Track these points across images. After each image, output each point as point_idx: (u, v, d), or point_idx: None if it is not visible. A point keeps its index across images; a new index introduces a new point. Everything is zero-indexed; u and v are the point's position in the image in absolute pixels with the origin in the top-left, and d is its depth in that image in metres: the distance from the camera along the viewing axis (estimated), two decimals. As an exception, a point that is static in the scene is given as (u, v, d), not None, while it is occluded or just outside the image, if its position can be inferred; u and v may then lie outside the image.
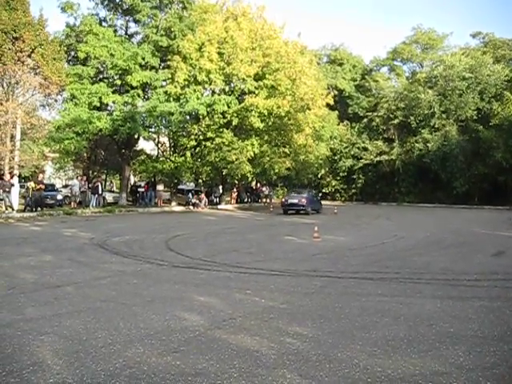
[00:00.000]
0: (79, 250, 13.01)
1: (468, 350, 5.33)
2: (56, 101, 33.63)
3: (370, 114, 53.69)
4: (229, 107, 32.97)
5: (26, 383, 4.25)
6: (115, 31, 34.41)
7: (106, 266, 10.48)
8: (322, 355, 5.08)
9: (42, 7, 53.03)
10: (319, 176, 53.65)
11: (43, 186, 28.58)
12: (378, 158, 51.94)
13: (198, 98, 32.83)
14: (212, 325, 6.11)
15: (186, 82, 33.16)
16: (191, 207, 35.57)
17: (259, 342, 5.49)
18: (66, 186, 42.48)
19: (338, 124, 53.40)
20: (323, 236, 16.52)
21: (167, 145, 40.77)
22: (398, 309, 7.10)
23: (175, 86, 32.82)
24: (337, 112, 50.99)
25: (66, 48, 33.09)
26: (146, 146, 43.25)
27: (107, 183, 46.76)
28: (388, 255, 13.00)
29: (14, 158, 28.19)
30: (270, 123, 35.44)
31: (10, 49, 28.53)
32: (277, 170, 37.64)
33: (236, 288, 8.34)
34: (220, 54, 33.82)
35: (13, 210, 26.38)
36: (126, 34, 35.55)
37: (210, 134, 34.03)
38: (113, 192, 41.94)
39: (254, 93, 33.98)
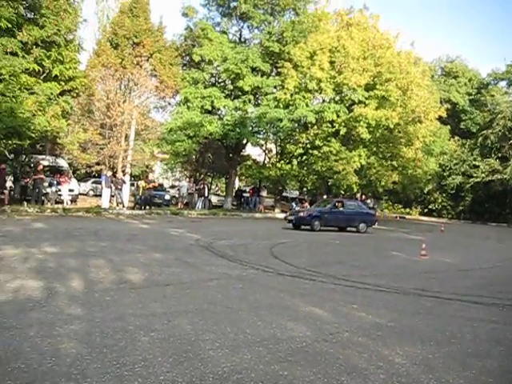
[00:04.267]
0: (186, 250, 13.30)
1: None
2: (169, 104, 34.93)
3: (485, 131, 51.20)
4: (338, 116, 32.70)
5: (137, 377, 4.32)
6: (229, 37, 35.19)
7: (213, 268, 10.61)
8: (433, 380, 4.81)
9: (162, 15, 55.01)
10: (426, 191, 52.04)
11: (156, 185, 29.70)
12: (489, 178, 49.48)
13: (307, 106, 32.81)
14: (319, 337, 5.97)
15: (296, 90, 33.24)
16: (294, 215, 35.53)
17: (367, 359, 5.29)
18: (172, 187, 43.91)
19: (449, 139, 51.55)
20: (430, 254, 15.90)
21: (274, 151, 41.03)
22: (515, 338, 6.64)
23: (285, 93, 32.99)
24: (448, 127, 49.24)
25: (181, 52, 34.29)
26: (251, 151, 43.80)
27: (212, 186, 47.74)
28: (501, 279, 12.30)
29: (126, 157, 29.40)
30: (379, 135, 34.77)
31: (130, 53, 29.96)
32: (383, 183, 36.86)
33: (342, 301, 8.16)
34: (331, 62, 33.60)
35: (123, 206, 27.53)
36: (240, 39, 36.24)
37: (317, 143, 33.88)
38: (218, 195, 42.80)
39: (364, 103, 33.49)
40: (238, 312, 6.92)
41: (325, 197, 37.70)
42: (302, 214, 24.66)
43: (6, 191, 23.84)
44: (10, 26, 21.03)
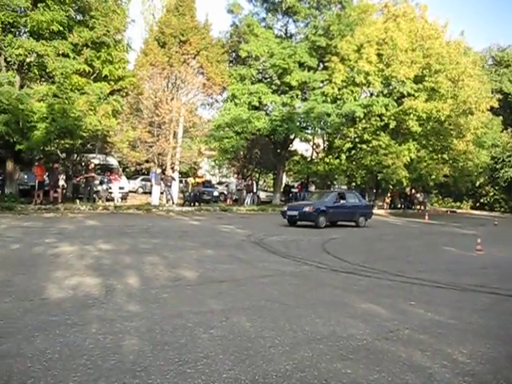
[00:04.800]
0: (238, 246, 13.34)
1: None
2: (216, 100, 35.10)
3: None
4: (386, 110, 32.31)
5: (200, 375, 4.31)
6: (274, 32, 35.09)
7: (265, 264, 10.57)
8: (502, 381, 4.64)
9: (208, 12, 55.24)
10: (477, 185, 50.83)
11: (203, 180, 29.91)
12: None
13: (355, 100, 32.48)
14: (379, 335, 5.85)
15: (344, 84, 32.94)
16: (343, 210, 35.15)
17: (431, 357, 5.14)
18: (220, 183, 44.11)
19: (502, 131, 50.18)
20: (485, 249, 15.47)
21: (321, 146, 40.75)
22: None
23: (332, 87, 32.72)
24: (501, 118, 47.89)
25: (228, 49, 34.42)
26: (298, 146, 43.61)
27: (260, 182, 47.76)
28: None
29: (175, 155, 29.67)
30: (429, 127, 34.21)
31: (177, 51, 30.24)
32: (434, 177, 36.17)
33: (399, 298, 7.99)
34: (379, 55, 33.16)
35: (173, 203, 27.80)
36: (285, 34, 36.10)
37: (366, 137, 33.53)
38: (266, 191, 42.80)
39: (413, 95, 32.97)
40: (295, 309, 6.86)
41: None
42: (307, 209, 21.40)
43: (59, 190, 24.34)
44: (61, 28, 21.44)
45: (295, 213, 21.62)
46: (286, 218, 21.98)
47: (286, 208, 23.07)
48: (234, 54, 36.14)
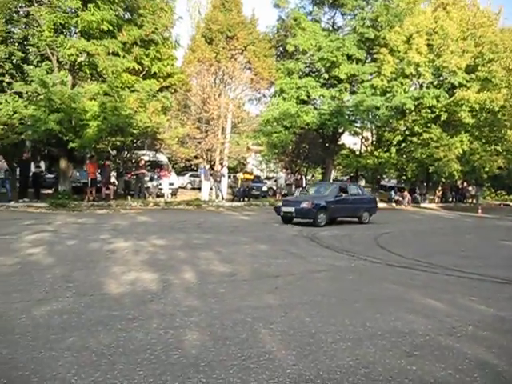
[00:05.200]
0: (290, 241, 13.30)
1: None
2: (264, 95, 35.08)
3: None
4: (438, 101, 31.65)
5: (264, 370, 4.29)
6: (321, 25, 34.80)
7: (319, 259, 10.49)
8: None
9: (254, 7, 55.35)
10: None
11: (253, 176, 29.95)
12: None
13: (405, 92, 31.93)
14: (441, 331, 5.71)
15: (393, 76, 32.41)
16: (393, 204, 34.68)
17: (497, 355, 4.98)
18: (267, 178, 44.10)
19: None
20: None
21: (370, 140, 40.25)
22: None
23: (382, 80, 32.26)
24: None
25: (275, 43, 34.35)
26: (346, 140, 43.18)
27: (308, 177, 47.49)
28: None
29: (224, 150, 29.80)
30: (482, 118, 33.28)
31: (224, 47, 30.38)
32: (487, 169, 35.22)
33: (458, 293, 7.78)
34: (429, 45, 32.47)
35: (222, 198, 27.93)
36: (332, 27, 35.76)
37: (416, 129, 32.90)
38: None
39: (465, 86, 32.17)
40: (353, 304, 6.78)
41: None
42: (305, 205, 18.03)
43: (111, 186, 24.75)
44: (111, 28, 21.73)
45: (291, 209, 18.32)
46: (279, 214, 18.81)
47: (280, 203, 19.81)
48: (281, 49, 36.04)
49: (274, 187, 34.97)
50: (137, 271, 8.26)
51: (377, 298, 7.16)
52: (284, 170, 36.50)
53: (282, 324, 5.64)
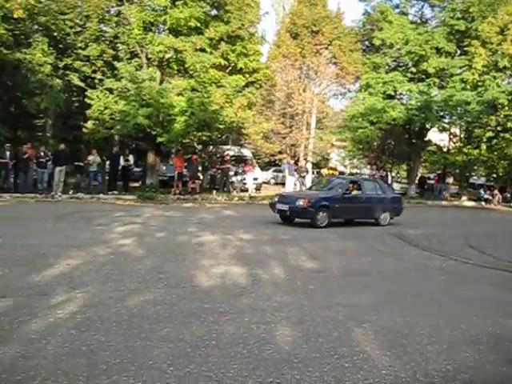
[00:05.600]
0: (377, 238, 13.06)
1: None
2: (349, 90, 34.63)
3: None
4: (534, 95, 30.12)
5: (359, 370, 4.23)
6: (409, 18, 33.90)
7: (408, 257, 10.27)
8: None
9: (340, 1, 54.77)
10: None
11: (337, 171, 29.68)
12: None
13: (498, 86, 30.56)
14: (544, 337, 5.44)
15: (485, 69, 31.06)
16: (483, 203, 33.41)
17: None
18: (351, 174, 43.61)
19: None
20: None
21: (458, 136, 38.87)
22: None
23: (472, 73, 30.95)
24: None
25: (360, 37, 33.81)
26: (432, 136, 41.93)
27: (393, 173, 46.56)
28: None
29: (308, 145, 29.69)
30: None
31: (309, 42, 30.18)
32: None
33: (560, 297, 7.40)
34: (527, 35, 30.90)
35: (307, 194, 27.79)
36: (420, 19, 34.75)
37: (510, 125, 31.42)
38: (399, 182, 41.67)
39: None
40: (447, 305, 6.57)
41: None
42: (301, 203, 15.19)
43: (198, 180, 25.18)
44: (198, 24, 22.09)
45: (285, 207, 15.59)
46: (275, 212, 16.30)
47: (275, 199, 16.78)
48: (367, 43, 35.34)
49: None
50: (225, 265, 8.34)
51: (472, 301, 6.90)
52: (369, 166, 35.93)
53: (374, 323, 5.54)
